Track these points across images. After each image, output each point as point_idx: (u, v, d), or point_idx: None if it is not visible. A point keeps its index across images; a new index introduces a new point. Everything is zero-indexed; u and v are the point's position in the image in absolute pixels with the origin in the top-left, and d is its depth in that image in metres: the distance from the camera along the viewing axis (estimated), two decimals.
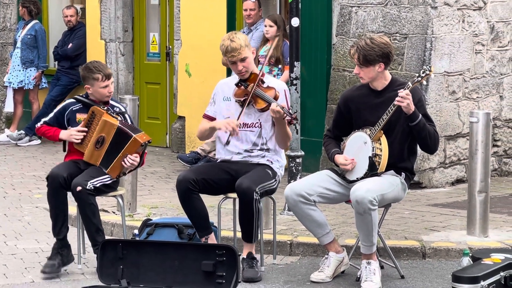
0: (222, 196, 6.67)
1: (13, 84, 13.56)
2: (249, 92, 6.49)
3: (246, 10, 10.47)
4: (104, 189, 6.58)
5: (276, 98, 6.46)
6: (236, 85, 6.62)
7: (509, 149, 10.04)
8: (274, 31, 9.88)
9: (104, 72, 6.65)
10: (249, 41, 7.04)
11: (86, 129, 6.53)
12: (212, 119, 6.73)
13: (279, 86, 6.69)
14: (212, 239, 6.44)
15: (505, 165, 10.01)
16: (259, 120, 6.59)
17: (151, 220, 6.98)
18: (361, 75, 6.27)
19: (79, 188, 6.30)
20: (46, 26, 13.95)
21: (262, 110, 6.47)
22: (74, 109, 6.76)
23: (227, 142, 6.57)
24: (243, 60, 6.53)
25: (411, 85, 6.08)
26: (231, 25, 11.00)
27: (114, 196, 6.95)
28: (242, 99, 6.52)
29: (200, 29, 11.50)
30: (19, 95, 13.63)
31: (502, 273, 5.98)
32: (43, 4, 13.98)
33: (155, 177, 10.26)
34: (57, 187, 6.40)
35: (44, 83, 13.70)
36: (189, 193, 6.42)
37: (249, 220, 6.37)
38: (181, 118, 11.82)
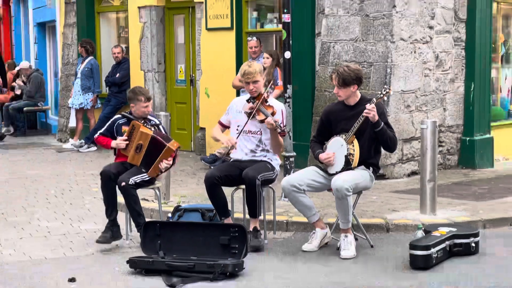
0: (234, 187, 6.75)
1: (75, 105, 13.65)
2: (254, 107, 6.55)
3: (251, 47, 10.48)
4: (144, 183, 6.68)
5: (273, 114, 6.54)
6: (247, 101, 6.67)
7: (451, 148, 10.07)
8: (270, 62, 9.92)
9: (146, 95, 6.81)
10: (259, 65, 7.07)
11: (126, 139, 6.64)
12: (224, 125, 6.91)
13: (277, 106, 6.78)
14: (228, 221, 6.51)
15: (448, 161, 10.03)
16: (260, 129, 6.65)
17: (181, 206, 7.03)
18: (339, 94, 6.38)
19: (123, 183, 6.43)
20: (99, 61, 13.97)
21: (261, 122, 6.53)
22: (120, 122, 6.91)
23: (228, 154, 6.72)
24: (255, 82, 6.62)
25: (375, 101, 6.19)
26: (239, 58, 11.02)
27: (153, 188, 7.03)
28: (249, 112, 6.58)
29: (215, 61, 11.52)
30: (79, 114, 13.69)
31: (447, 242, 6.06)
32: (97, 44, 14.00)
33: (183, 174, 10.26)
34: (107, 180, 6.54)
35: (99, 104, 13.74)
36: (214, 186, 6.50)
37: (253, 200, 6.45)
38: (202, 129, 11.82)
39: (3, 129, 16.37)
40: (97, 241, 6.46)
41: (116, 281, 5.60)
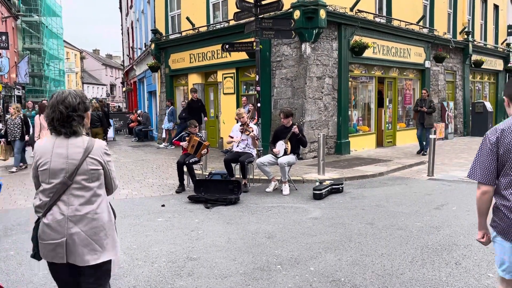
0: (235, 163, 6.63)
1: (165, 128, 13.49)
2: (243, 128, 6.55)
3: (244, 101, 10.43)
4: (195, 162, 6.59)
5: (252, 131, 6.55)
6: (240, 126, 6.67)
7: (331, 145, 10.05)
8: (253, 109, 9.88)
9: (195, 124, 6.73)
10: (245, 110, 7.06)
11: (187, 142, 6.59)
12: (231, 136, 6.79)
13: (254, 127, 6.73)
14: (233, 178, 6.45)
15: (330, 151, 10.01)
16: (246, 138, 6.63)
17: (212, 172, 6.96)
18: (284, 122, 6.33)
19: (187, 162, 6.38)
20: (176, 107, 13.82)
21: (247, 134, 6.54)
22: (184, 135, 6.81)
23: (232, 147, 6.73)
24: (242, 118, 6.63)
25: (297, 124, 6.20)
26: (237, 106, 10.98)
27: (199, 164, 6.91)
28: (241, 130, 6.59)
29: (227, 107, 11.49)
30: (167, 132, 13.54)
31: (329, 187, 6.07)
32: (174, 100, 13.89)
33: (213, 157, 10.15)
34: (180, 163, 6.43)
35: (175, 127, 13.59)
36: (228, 163, 6.45)
37: (243, 170, 6.44)
38: (221, 138, 11.77)
39: (133, 139, 16.27)
40: (176, 192, 6.37)
41: (183, 205, 5.59)
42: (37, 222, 1.98)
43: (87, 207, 1.95)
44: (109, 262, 2.00)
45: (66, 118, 1.96)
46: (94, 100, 16.03)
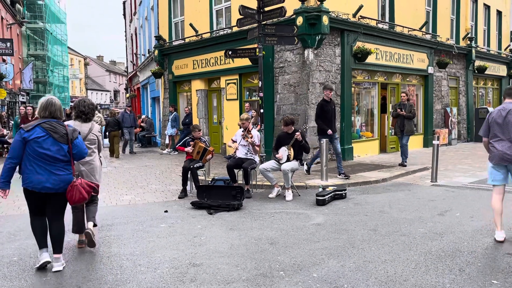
0: (238, 169, 6.65)
1: (168, 133, 13.56)
2: (244, 134, 6.61)
3: (246, 107, 10.49)
4: (199, 167, 6.64)
5: (251, 137, 6.60)
6: (242, 131, 6.67)
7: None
8: (255, 114, 9.90)
9: (199, 128, 6.80)
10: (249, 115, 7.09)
11: (192, 148, 6.64)
12: (233, 141, 6.82)
13: (255, 133, 6.74)
14: (235, 184, 6.45)
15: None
16: (248, 144, 6.65)
17: (215, 178, 6.96)
18: (285, 129, 6.36)
19: (192, 167, 6.44)
20: (179, 113, 13.88)
21: (247, 140, 6.61)
22: (188, 140, 6.84)
23: (235, 153, 6.78)
24: (243, 124, 6.65)
25: (300, 131, 6.24)
26: (240, 112, 11.03)
27: (202, 170, 6.95)
28: (242, 135, 6.65)
29: (230, 113, 11.52)
30: (169, 138, 13.60)
31: (332, 193, 6.06)
32: (177, 106, 13.97)
33: (216, 163, 10.17)
34: (186, 168, 6.48)
35: (178, 133, 13.65)
36: (231, 169, 6.46)
37: (246, 176, 6.46)
38: (224, 143, 11.80)
39: (136, 146, 16.34)
40: (179, 197, 6.41)
41: (186, 211, 5.60)
42: None
43: (89, 157, 3.87)
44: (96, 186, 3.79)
45: (92, 112, 3.99)
46: (114, 105, 16.37)
